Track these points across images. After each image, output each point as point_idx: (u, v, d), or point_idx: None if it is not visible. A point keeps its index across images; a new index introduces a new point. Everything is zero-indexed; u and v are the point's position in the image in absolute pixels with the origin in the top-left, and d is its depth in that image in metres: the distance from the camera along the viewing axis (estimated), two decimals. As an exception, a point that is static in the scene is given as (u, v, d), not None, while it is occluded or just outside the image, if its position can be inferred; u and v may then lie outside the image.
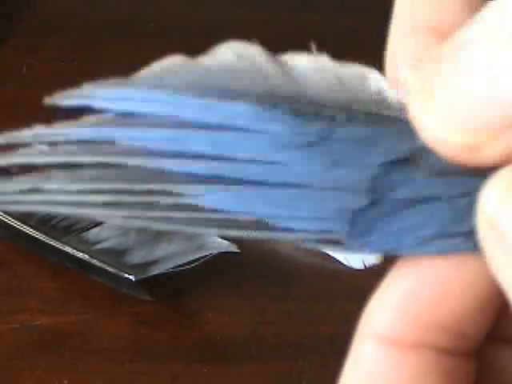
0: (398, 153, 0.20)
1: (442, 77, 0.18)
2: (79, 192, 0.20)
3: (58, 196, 0.20)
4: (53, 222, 0.45)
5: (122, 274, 0.43)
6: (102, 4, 0.61)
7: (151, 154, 0.20)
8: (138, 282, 0.43)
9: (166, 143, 0.20)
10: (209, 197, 0.20)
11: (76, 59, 0.55)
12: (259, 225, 0.20)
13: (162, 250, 0.44)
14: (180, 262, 0.43)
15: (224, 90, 0.21)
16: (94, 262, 0.44)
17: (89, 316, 0.44)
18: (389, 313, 0.20)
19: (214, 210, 0.20)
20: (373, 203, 0.20)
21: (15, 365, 0.41)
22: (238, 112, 0.20)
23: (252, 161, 0.20)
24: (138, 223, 0.20)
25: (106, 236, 0.45)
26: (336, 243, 0.20)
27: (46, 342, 0.42)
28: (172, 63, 0.21)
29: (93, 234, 0.45)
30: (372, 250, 0.20)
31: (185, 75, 0.21)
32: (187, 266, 0.44)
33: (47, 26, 0.58)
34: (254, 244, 0.47)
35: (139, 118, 0.21)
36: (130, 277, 0.43)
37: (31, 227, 0.45)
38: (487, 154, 0.17)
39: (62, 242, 0.44)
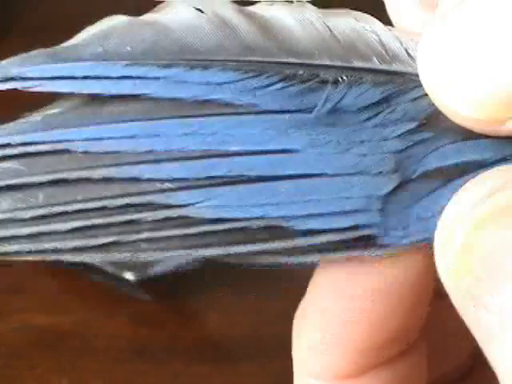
0: (416, 117, 0.16)
1: (463, 45, 0.15)
2: (32, 220, 0.16)
3: (7, 229, 0.16)
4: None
5: (121, 273, 0.43)
6: (102, 4, 0.61)
7: (119, 159, 0.16)
8: (137, 282, 0.43)
9: (133, 142, 0.16)
10: (209, 203, 0.16)
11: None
12: (272, 232, 0.16)
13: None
14: (180, 262, 0.43)
15: (191, 53, 0.16)
16: (94, 261, 0.44)
17: (89, 316, 0.44)
18: (320, 351, 0.18)
19: (216, 221, 0.16)
20: (401, 184, 0.16)
21: (15, 364, 0.41)
22: (217, 83, 0.16)
23: (249, 152, 0.16)
24: (121, 252, 0.16)
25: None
26: (368, 243, 0.16)
27: (45, 342, 0.42)
28: (116, 24, 0.17)
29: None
30: (411, 243, 0.17)
31: (135, 39, 0.16)
32: (187, 267, 0.44)
33: (47, 26, 0.58)
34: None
35: (90, 107, 0.16)
36: (130, 277, 0.43)
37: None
38: (510, 127, 0.16)
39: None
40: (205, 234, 0.16)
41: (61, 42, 0.19)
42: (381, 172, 0.16)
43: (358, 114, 0.16)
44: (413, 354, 0.19)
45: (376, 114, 0.16)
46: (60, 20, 0.61)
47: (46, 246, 0.16)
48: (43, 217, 0.16)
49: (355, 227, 0.16)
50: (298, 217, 0.16)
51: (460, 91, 0.15)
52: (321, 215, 0.16)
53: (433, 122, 0.16)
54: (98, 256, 0.16)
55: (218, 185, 0.16)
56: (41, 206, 0.16)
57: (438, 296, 0.21)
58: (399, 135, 0.16)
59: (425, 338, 0.20)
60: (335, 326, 0.18)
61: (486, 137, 0.16)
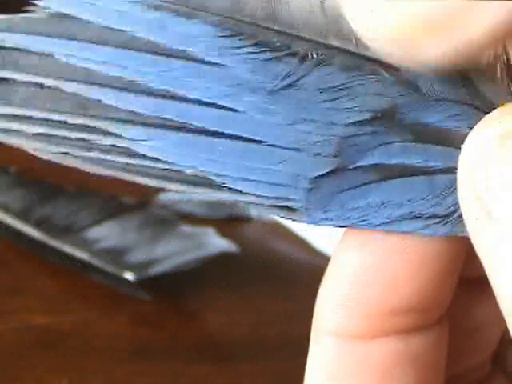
0: (373, 109, 0.16)
1: None
2: (7, 117, 0.18)
3: None
4: (52, 221, 0.45)
5: (121, 273, 0.43)
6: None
7: (90, 78, 0.17)
8: (137, 281, 0.43)
9: (107, 67, 0.17)
10: (149, 143, 0.17)
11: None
12: (203, 182, 0.17)
13: (161, 249, 0.44)
14: (180, 262, 0.43)
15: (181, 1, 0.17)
16: (94, 261, 0.44)
17: (89, 316, 0.44)
18: (339, 308, 0.19)
19: (154, 159, 0.17)
20: (336, 170, 0.16)
21: (14, 364, 0.41)
22: (194, 36, 0.17)
23: (202, 103, 0.17)
24: (73, 162, 0.17)
25: (105, 235, 0.45)
26: (291, 211, 0.17)
27: (45, 342, 0.42)
28: None
29: (92, 233, 0.45)
30: (331, 225, 0.17)
31: None
32: (187, 267, 0.44)
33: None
34: (254, 244, 0.47)
35: (78, 25, 0.17)
36: (130, 277, 0.43)
37: (31, 227, 0.45)
38: (428, 55, 0.14)
39: (61, 242, 0.44)
40: (143, 166, 0.17)
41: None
42: (320, 153, 0.16)
43: (316, 93, 0.16)
44: (430, 334, 0.19)
45: (334, 98, 0.16)
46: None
47: (13, 140, 0.18)
48: (15, 116, 0.17)
49: (278, 198, 0.17)
50: (227, 176, 0.17)
51: (378, 12, 0.14)
52: (249, 180, 0.17)
53: (388, 117, 0.16)
54: (55, 157, 0.18)
55: (164, 127, 0.17)
56: (16, 105, 0.17)
57: (467, 290, 0.21)
58: (350, 123, 0.16)
59: (450, 328, 0.20)
60: (353, 289, 0.18)
61: (437, 143, 0.16)
